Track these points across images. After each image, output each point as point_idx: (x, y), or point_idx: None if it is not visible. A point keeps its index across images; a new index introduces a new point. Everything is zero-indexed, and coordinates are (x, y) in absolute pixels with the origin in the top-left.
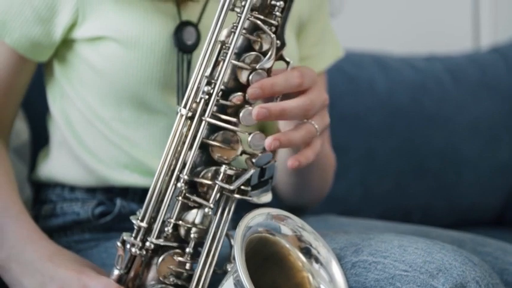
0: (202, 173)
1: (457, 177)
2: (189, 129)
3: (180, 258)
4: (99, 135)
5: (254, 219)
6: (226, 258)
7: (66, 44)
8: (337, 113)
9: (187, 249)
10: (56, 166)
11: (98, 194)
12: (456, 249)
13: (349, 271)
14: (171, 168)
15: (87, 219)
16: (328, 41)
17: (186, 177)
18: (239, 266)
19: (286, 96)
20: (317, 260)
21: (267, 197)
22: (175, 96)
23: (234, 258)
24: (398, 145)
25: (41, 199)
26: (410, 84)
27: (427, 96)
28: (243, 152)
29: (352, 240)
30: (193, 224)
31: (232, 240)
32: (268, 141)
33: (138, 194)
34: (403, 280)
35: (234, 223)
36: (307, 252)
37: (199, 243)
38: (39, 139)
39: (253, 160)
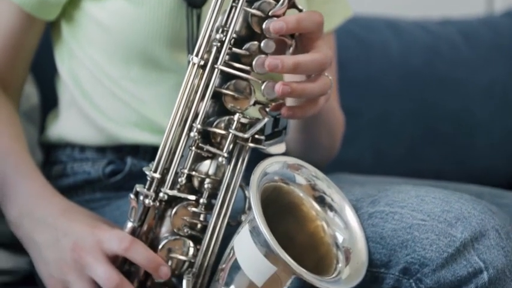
0: (215, 123)
1: (470, 140)
2: (201, 79)
3: (194, 209)
4: (108, 94)
5: (270, 166)
6: (240, 210)
7: (73, 2)
8: (350, 77)
9: (201, 200)
10: (66, 126)
11: (109, 153)
12: (475, 199)
13: (366, 222)
14: (184, 118)
15: (98, 178)
16: (338, 0)
17: (199, 126)
18: (255, 211)
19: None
20: (331, 208)
21: (281, 148)
22: (185, 53)
23: (248, 208)
24: (411, 109)
25: (51, 160)
26: (423, 47)
27: (441, 59)
28: (256, 102)
29: (368, 192)
30: (207, 175)
31: (246, 192)
32: (278, 86)
33: (148, 152)
34: (421, 229)
35: (247, 180)
36: (321, 200)
37: (213, 194)
38: (49, 102)
39: (267, 109)
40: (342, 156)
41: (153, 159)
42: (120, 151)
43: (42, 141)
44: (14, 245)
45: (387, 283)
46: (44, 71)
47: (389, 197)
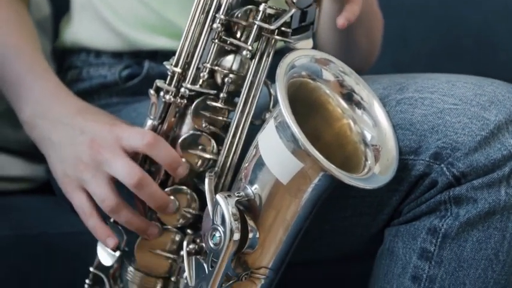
0: (239, 13)
1: (491, 56)
2: None
3: (215, 104)
4: None
5: (298, 59)
6: (264, 109)
7: None
8: None
9: (221, 95)
10: (80, 30)
11: (125, 58)
12: (508, 84)
13: (394, 108)
14: (206, 8)
15: (115, 82)
16: None
17: (222, 17)
18: (282, 104)
19: None
20: (359, 105)
21: (308, 43)
22: None
23: (273, 106)
24: (431, 24)
25: (65, 66)
26: None
27: None
28: None
29: (396, 80)
30: (230, 70)
31: (271, 89)
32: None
33: (167, 57)
34: (452, 113)
35: (272, 78)
36: (348, 98)
37: (237, 91)
38: (61, 9)
39: (294, 0)
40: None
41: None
42: (138, 56)
43: (56, 47)
44: (31, 153)
45: (417, 170)
46: None
47: (419, 84)
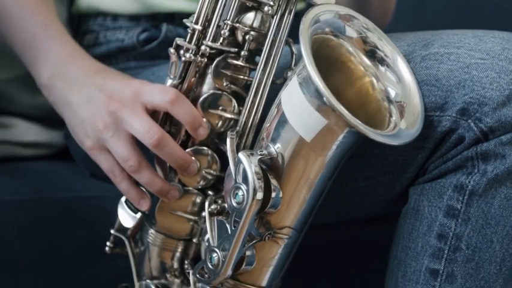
0: None
1: (510, 28)
2: None
3: (236, 62)
4: None
5: (322, 15)
6: (286, 68)
7: None
8: None
9: (243, 52)
10: None
11: (143, 21)
12: None
13: (419, 64)
14: None
15: (132, 45)
16: None
17: None
18: (306, 59)
19: None
20: (382, 62)
21: (330, 0)
22: None
23: (295, 64)
24: None
25: (82, 31)
26: None
27: None
28: None
29: (420, 37)
30: (251, 27)
31: (293, 48)
32: None
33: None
34: (479, 68)
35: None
36: (372, 54)
37: (258, 49)
38: None
39: None
40: None
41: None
42: (155, 19)
43: (72, 12)
44: (48, 119)
45: (443, 126)
46: None
47: (444, 39)
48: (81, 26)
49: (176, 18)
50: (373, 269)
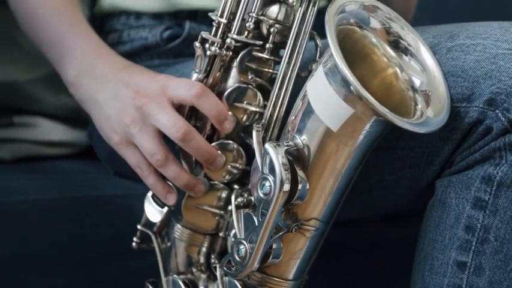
0: None
1: None
2: None
3: (261, 55)
4: None
5: (348, 5)
6: (310, 60)
7: None
8: None
9: (267, 45)
10: None
11: (166, 19)
12: None
13: (445, 56)
14: None
15: (156, 43)
16: None
17: None
18: (333, 47)
19: None
20: (406, 52)
21: None
22: None
23: (320, 56)
24: None
25: (105, 30)
26: None
27: None
28: None
29: (445, 29)
30: (276, 20)
31: (318, 40)
32: None
33: (208, 17)
34: (506, 58)
35: (318, 29)
36: (395, 45)
37: (282, 42)
38: None
39: None
40: None
41: (213, 24)
42: (178, 17)
43: (95, 11)
44: (72, 119)
45: (470, 117)
46: None
47: (470, 31)
48: (104, 26)
49: (199, 15)
50: (398, 265)
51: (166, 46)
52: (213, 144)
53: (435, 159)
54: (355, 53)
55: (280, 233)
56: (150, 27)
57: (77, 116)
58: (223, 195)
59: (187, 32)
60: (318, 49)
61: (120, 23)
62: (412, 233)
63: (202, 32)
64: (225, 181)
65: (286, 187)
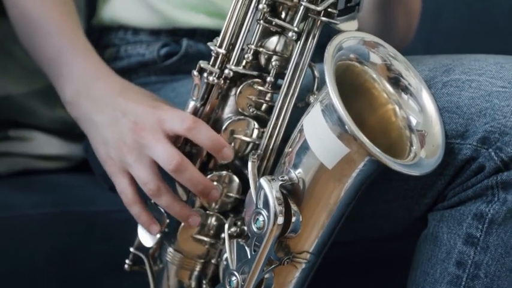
0: None
1: None
2: None
3: (259, 87)
4: None
5: (346, 41)
6: (308, 91)
7: None
8: None
9: (268, 78)
10: (118, 6)
11: (163, 36)
12: None
13: (440, 91)
14: None
15: (153, 60)
16: None
17: None
18: (330, 87)
19: None
20: (406, 90)
21: (354, 25)
22: None
23: (317, 89)
24: (465, 4)
25: (103, 43)
26: None
27: None
28: None
29: (441, 62)
30: (275, 52)
31: (316, 72)
32: None
33: (205, 35)
34: (501, 96)
35: (316, 60)
36: (395, 82)
37: (281, 73)
38: None
39: None
40: None
41: (210, 42)
42: (175, 34)
43: (93, 24)
44: (67, 132)
45: (463, 154)
46: None
47: (465, 66)
48: (102, 40)
49: (197, 33)
50: (392, 280)
51: (163, 63)
52: (209, 176)
53: (428, 192)
54: (356, 86)
55: (273, 266)
56: (148, 44)
57: (72, 130)
58: (217, 223)
59: (184, 49)
60: (316, 80)
61: (118, 37)
62: (407, 249)
63: (200, 62)
64: (220, 210)
65: (280, 220)
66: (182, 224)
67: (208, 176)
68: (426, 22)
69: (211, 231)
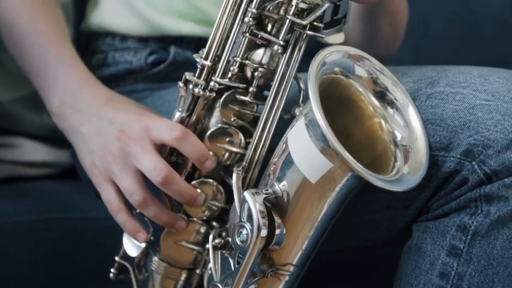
0: (271, 7)
1: None
2: None
3: (244, 98)
4: None
5: (330, 56)
6: (294, 103)
7: None
8: None
9: (251, 89)
10: (107, 13)
11: (151, 43)
12: None
13: (424, 103)
14: (238, 2)
15: (140, 68)
16: None
17: (254, 11)
18: (313, 102)
19: None
20: (392, 105)
21: (340, 37)
22: None
23: (303, 101)
24: (453, 10)
25: (91, 49)
26: None
27: None
28: None
29: (426, 73)
30: (260, 64)
31: (301, 84)
32: None
33: (193, 43)
34: (484, 109)
35: (302, 72)
36: (381, 96)
37: (266, 85)
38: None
39: None
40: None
41: (198, 49)
42: (163, 41)
43: (81, 29)
44: (54, 139)
45: (447, 167)
46: None
47: (450, 78)
48: (90, 46)
49: (184, 41)
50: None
51: (150, 70)
52: (194, 182)
53: (412, 203)
54: (343, 98)
55: (256, 279)
56: (135, 51)
57: (59, 136)
58: (202, 231)
59: (172, 57)
60: (302, 92)
61: (106, 43)
62: (393, 257)
63: (186, 74)
64: (204, 218)
65: (264, 233)
66: (165, 229)
67: (193, 182)
68: (415, 29)
69: (195, 238)
